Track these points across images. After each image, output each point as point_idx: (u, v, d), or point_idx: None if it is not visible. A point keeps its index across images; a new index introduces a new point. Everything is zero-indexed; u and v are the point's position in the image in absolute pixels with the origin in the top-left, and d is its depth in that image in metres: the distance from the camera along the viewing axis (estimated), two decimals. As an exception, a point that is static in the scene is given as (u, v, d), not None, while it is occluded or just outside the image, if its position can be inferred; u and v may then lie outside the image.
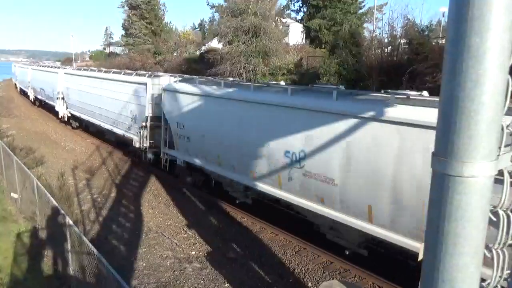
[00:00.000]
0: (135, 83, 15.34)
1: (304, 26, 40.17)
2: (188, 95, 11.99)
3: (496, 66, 1.50)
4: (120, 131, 16.86)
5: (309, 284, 8.05)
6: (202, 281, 7.92)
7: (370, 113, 6.77)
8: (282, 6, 35.06)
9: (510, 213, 1.82)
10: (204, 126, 11.27)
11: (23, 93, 40.48)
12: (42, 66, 34.42)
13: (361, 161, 6.96)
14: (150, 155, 14.80)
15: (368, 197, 6.99)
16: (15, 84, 49.73)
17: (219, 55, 30.61)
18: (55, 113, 26.07)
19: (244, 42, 29.35)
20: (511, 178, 1.78)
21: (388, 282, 7.83)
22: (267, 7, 29.93)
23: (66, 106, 24.09)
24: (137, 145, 15.19)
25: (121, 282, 5.22)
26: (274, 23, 31.56)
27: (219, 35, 32.69)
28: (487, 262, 1.79)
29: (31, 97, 34.78)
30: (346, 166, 7.23)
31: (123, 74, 17.50)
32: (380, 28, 25.18)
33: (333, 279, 7.90)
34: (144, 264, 8.53)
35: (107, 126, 18.29)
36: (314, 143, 7.78)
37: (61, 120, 25.32)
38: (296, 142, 8.19)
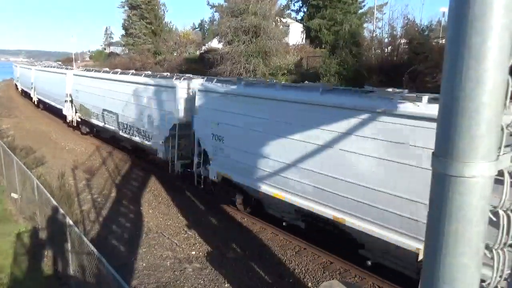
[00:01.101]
0: None
1: (304, 26, 40.23)
2: None
3: (496, 66, 1.50)
4: None
5: (309, 284, 8.05)
6: (202, 281, 7.92)
7: None
8: (282, 6, 35.05)
9: (510, 213, 1.82)
10: None
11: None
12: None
13: None
14: None
15: None
16: (21, 89, 43.04)
17: (219, 55, 30.63)
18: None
19: (244, 42, 29.37)
20: (511, 178, 1.78)
21: (388, 282, 7.83)
22: (267, 7, 29.94)
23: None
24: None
25: (121, 282, 5.22)
26: (274, 23, 31.58)
27: (219, 35, 32.72)
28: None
29: (74, 119, 23.29)
30: None
31: None
32: (380, 28, 25.22)
33: (333, 279, 7.90)
34: (144, 264, 8.54)
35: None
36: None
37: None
38: None
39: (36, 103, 33.06)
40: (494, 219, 1.79)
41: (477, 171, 1.57)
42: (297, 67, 29.66)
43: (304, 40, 38.61)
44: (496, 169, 1.62)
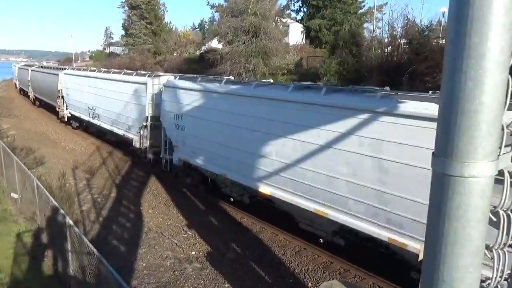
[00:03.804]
0: None
1: (304, 26, 40.26)
2: None
3: (496, 66, 1.50)
4: None
5: (309, 284, 8.05)
6: (202, 281, 7.92)
7: None
8: (282, 6, 35.11)
9: (510, 213, 1.82)
10: None
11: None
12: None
13: None
14: None
15: None
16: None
17: (219, 55, 30.66)
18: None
19: (244, 42, 29.39)
20: (511, 178, 1.78)
21: (388, 282, 7.83)
22: (267, 7, 29.97)
23: None
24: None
25: (121, 282, 5.22)
26: (274, 23, 31.61)
27: (219, 35, 32.76)
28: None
29: None
30: None
31: None
32: (380, 28, 25.27)
33: (333, 279, 7.90)
34: (144, 264, 8.53)
35: None
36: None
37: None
38: None
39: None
40: (494, 219, 1.79)
41: (477, 171, 1.57)
42: (297, 67, 29.68)
43: (304, 40, 38.67)
44: (496, 169, 1.62)
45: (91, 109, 19.78)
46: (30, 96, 35.74)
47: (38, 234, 9.48)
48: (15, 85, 49.34)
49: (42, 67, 35.69)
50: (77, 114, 22.35)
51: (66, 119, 24.51)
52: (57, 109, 25.38)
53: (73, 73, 23.00)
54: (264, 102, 9.17)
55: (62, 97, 24.23)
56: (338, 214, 7.67)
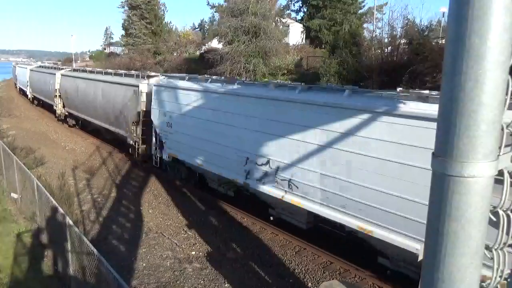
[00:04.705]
0: None
1: (304, 26, 40.27)
2: None
3: (496, 66, 1.50)
4: None
5: (309, 284, 8.05)
6: (202, 281, 7.92)
7: None
8: (282, 6, 35.16)
9: (510, 213, 1.82)
10: None
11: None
12: None
13: None
14: None
15: None
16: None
17: (219, 55, 30.66)
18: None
19: (244, 42, 29.39)
20: (511, 178, 1.78)
21: (388, 283, 7.83)
22: (267, 7, 29.99)
23: None
24: None
25: (121, 282, 5.22)
26: (274, 23, 31.64)
27: (219, 35, 32.76)
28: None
29: None
30: None
31: None
32: (380, 28, 25.26)
33: (333, 279, 7.90)
34: (144, 264, 8.54)
35: None
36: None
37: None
38: None
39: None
40: (494, 219, 1.79)
41: (476, 171, 1.57)
42: (297, 67, 29.70)
43: (304, 40, 38.69)
44: (496, 169, 1.62)
45: (257, 164, 9.48)
46: (58, 112, 25.08)
47: (38, 234, 9.48)
48: (20, 90, 42.19)
49: (78, 70, 24.34)
50: (189, 161, 12.39)
51: (157, 163, 14.24)
52: (131, 142, 15.55)
53: (185, 87, 12.08)
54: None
55: (144, 124, 14.54)
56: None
